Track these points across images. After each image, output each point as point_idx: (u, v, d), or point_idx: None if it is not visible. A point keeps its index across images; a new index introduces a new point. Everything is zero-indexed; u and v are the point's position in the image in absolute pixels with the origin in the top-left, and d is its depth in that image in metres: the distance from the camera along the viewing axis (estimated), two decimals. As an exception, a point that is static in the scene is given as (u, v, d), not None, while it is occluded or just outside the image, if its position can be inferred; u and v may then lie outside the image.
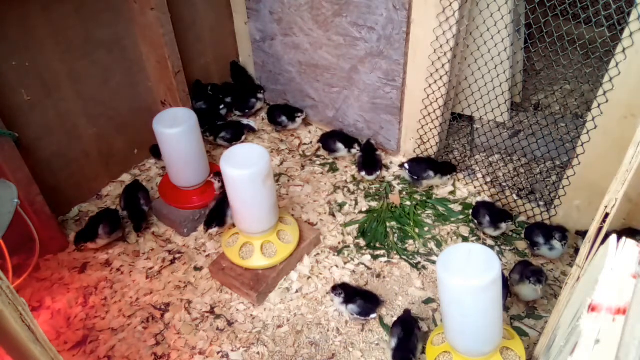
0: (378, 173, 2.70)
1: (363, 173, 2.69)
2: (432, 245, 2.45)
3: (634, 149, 1.24)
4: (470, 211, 2.51)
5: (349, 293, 2.13)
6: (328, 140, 2.87)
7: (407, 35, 2.44)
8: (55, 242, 2.42)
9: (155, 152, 2.77)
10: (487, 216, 2.37)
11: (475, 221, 2.44)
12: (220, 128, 2.98)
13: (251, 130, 3.10)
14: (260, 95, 3.20)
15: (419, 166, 2.63)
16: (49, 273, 2.38)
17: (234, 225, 2.30)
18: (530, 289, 2.05)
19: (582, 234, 2.30)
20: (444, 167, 2.65)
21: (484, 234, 2.46)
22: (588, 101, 2.75)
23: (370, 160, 2.73)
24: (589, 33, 2.34)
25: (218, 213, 2.32)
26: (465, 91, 2.71)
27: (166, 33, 2.56)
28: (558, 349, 1.43)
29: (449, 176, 2.66)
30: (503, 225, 2.36)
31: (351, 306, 2.10)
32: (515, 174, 2.71)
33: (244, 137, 3.01)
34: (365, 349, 2.07)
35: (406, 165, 2.65)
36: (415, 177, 2.62)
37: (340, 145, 2.83)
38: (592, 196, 2.26)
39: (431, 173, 2.60)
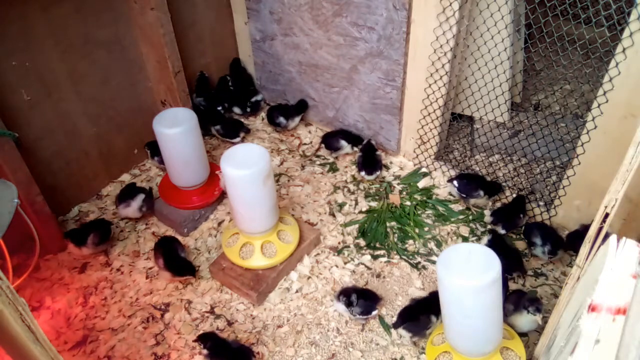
0: (378, 173, 2.70)
1: (363, 173, 2.69)
2: (432, 245, 2.45)
3: (634, 149, 1.24)
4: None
5: (350, 295, 2.12)
6: (330, 140, 2.88)
7: (407, 35, 2.44)
8: (55, 242, 2.42)
9: (152, 148, 2.76)
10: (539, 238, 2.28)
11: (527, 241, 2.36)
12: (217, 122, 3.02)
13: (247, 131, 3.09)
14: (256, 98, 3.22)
15: (469, 185, 2.52)
16: (49, 273, 2.37)
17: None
18: (528, 319, 1.95)
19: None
20: (491, 187, 2.54)
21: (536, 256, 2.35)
22: (588, 101, 2.75)
23: (370, 160, 2.73)
24: (589, 33, 2.34)
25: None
26: (465, 91, 2.71)
27: (166, 33, 2.55)
28: (558, 349, 1.43)
29: (495, 196, 2.55)
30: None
31: (352, 307, 2.10)
32: (515, 174, 2.71)
33: (239, 139, 3.01)
34: (365, 349, 2.07)
35: (455, 183, 2.54)
36: (464, 195, 2.53)
37: (343, 142, 2.83)
38: (592, 196, 2.26)
39: (481, 192, 2.49)
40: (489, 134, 2.79)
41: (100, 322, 2.19)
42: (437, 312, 1.94)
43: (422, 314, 2.01)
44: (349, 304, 2.09)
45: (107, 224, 2.43)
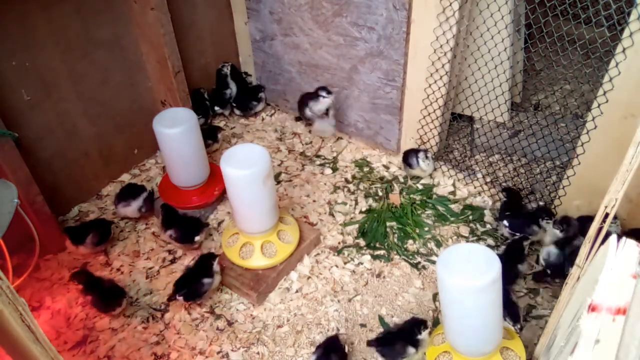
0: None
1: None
2: (432, 245, 2.45)
3: (634, 149, 1.24)
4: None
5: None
6: (408, 154, 2.71)
7: (407, 35, 2.44)
8: (55, 242, 2.42)
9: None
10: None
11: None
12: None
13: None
14: (261, 95, 3.22)
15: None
16: (49, 273, 2.37)
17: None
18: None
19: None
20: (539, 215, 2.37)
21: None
22: (588, 101, 2.75)
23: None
24: (589, 33, 2.34)
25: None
26: (465, 91, 2.71)
27: (166, 33, 2.56)
28: (558, 349, 1.43)
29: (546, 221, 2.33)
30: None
31: None
32: (515, 174, 2.71)
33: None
34: (366, 349, 2.07)
35: (505, 222, 2.37)
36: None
37: (414, 160, 2.67)
38: (592, 196, 2.26)
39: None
40: (489, 134, 2.79)
41: (100, 322, 2.19)
42: (415, 343, 1.88)
43: (399, 341, 1.90)
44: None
45: (107, 225, 2.43)
